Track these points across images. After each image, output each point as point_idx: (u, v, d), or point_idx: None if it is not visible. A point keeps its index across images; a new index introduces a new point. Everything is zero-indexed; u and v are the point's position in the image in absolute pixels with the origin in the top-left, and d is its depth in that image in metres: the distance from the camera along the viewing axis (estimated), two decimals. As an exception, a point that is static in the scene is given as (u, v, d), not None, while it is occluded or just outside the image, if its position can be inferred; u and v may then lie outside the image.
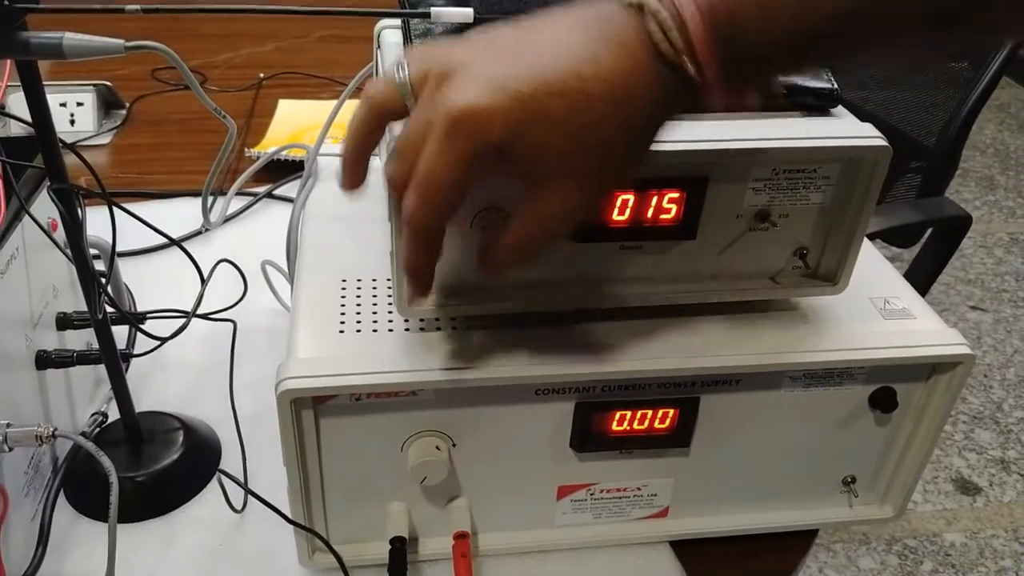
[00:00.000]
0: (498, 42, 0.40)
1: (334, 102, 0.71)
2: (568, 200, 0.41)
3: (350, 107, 1.02)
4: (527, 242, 0.43)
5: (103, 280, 0.56)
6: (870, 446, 0.61)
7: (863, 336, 0.56)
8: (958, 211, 1.19)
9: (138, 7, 0.49)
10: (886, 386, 0.57)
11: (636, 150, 0.41)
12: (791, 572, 0.63)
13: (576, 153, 0.39)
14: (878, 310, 0.59)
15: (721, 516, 0.63)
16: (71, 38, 0.47)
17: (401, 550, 0.55)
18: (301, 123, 1.19)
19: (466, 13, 0.48)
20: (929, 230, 1.26)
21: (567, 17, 0.40)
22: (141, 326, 0.60)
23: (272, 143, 1.13)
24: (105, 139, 1.19)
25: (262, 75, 1.36)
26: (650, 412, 0.55)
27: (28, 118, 0.51)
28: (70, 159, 0.57)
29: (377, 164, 0.74)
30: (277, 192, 1.04)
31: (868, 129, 0.52)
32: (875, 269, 0.63)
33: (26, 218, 0.60)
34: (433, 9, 0.56)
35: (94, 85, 1.20)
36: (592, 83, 0.38)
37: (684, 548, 0.62)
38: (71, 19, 0.50)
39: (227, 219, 1.00)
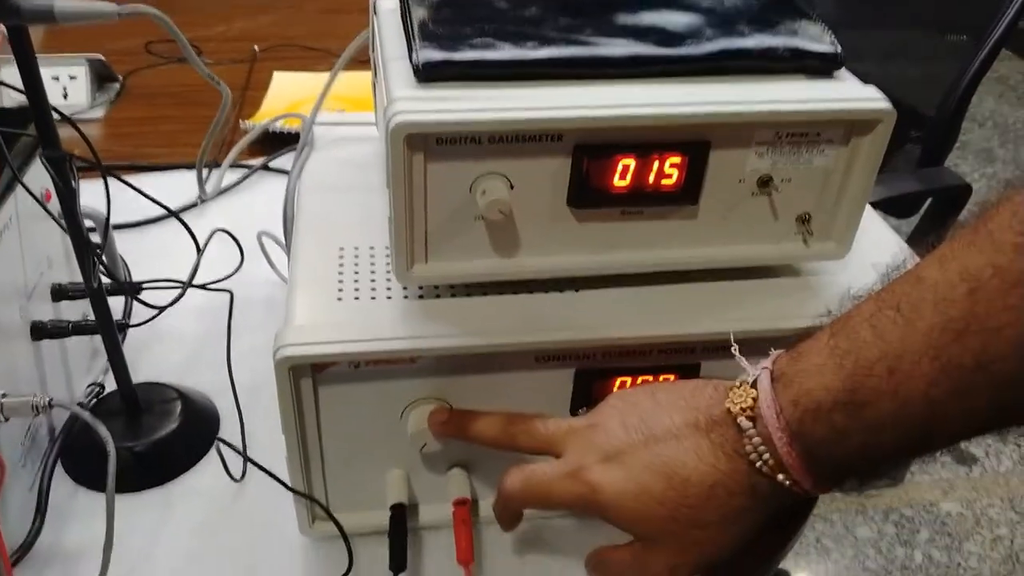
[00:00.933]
0: (621, 431, 0.46)
1: (330, 74, 0.70)
2: (671, 558, 0.45)
3: (345, 78, 1.02)
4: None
5: (98, 249, 0.56)
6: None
7: (865, 302, 0.56)
8: (958, 181, 1.18)
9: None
10: (887, 353, 0.57)
11: (737, 536, 0.45)
12: (788, 540, 0.63)
13: (676, 531, 0.44)
14: (880, 276, 0.59)
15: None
16: (63, 2, 0.46)
17: (401, 517, 0.55)
18: (297, 95, 1.18)
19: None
20: (928, 201, 1.26)
21: (685, 412, 0.45)
22: (137, 296, 0.59)
23: (267, 115, 1.11)
24: (99, 113, 1.18)
25: (257, 47, 1.34)
26: (651, 379, 0.55)
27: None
28: (64, 133, 0.56)
29: (371, 133, 0.73)
30: (273, 164, 1.03)
31: (872, 92, 0.51)
32: (877, 235, 0.62)
33: (19, 188, 0.60)
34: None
35: (87, 59, 1.18)
36: (693, 484, 0.43)
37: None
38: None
39: (222, 191, 0.99)
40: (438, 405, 0.53)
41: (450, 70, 0.48)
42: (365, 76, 0.69)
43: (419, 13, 0.52)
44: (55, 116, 0.53)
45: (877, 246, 0.61)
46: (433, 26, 0.51)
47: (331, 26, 1.43)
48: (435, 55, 0.48)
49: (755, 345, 0.55)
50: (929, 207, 1.24)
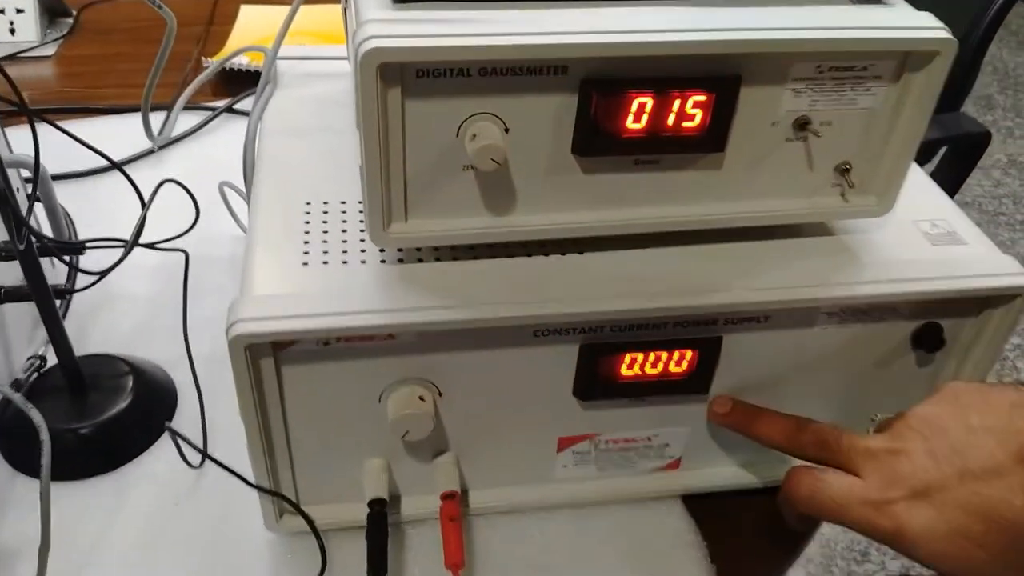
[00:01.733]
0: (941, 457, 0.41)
1: (302, 7, 0.62)
2: None
3: (317, 10, 0.91)
4: None
5: (27, 206, 0.48)
6: (906, 389, 0.54)
7: (910, 265, 0.49)
8: (977, 127, 1.10)
9: None
10: (932, 322, 0.50)
11: None
12: (813, 529, 0.57)
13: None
14: (924, 234, 0.52)
15: (738, 468, 0.56)
16: None
17: (381, 514, 0.48)
18: (265, 31, 1.08)
19: None
20: (943, 148, 1.18)
21: (1006, 440, 0.40)
22: (79, 257, 0.51)
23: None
24: (49, 50, 1.07)
25: (223, -21, 1.24)
26: (665, 355, 0.48)
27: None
28: (13, 72, 0.47)
29: (342, 68, 0.64)
30: (238, 107, 0.94)
31: (928, 19, 0.43)
32: (916, 186, 0.55)
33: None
34: None
35: (33, -14, 1.08)
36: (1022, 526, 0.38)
37: (697, 503, 0.56)
38: None
39: (181, 137, 0.90)
40: (722, 397, 0.51)
41: (431, -11, 0.40)
42: (338, 10, 0.60)
43: (395, -79, 0.44)
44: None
45: (917, 200, 0.54)
46: (412, -64, 0.42)
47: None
48: (415, -31, 0.40)
49: (785, 316, 0.48)
50: (946, 153, 1.16)
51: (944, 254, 0.50)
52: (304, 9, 0.90)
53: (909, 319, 0.50)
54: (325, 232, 0.48)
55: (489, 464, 0.52)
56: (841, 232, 0.51)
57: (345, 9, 0.57)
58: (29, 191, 0.64)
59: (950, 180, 1.15)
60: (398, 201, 0.43)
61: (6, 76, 0.49)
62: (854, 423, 0.56)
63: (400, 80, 0.39)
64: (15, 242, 0.48)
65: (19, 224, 0.48)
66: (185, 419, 0.60)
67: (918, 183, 0.55)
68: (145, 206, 0.53)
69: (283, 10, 1.13)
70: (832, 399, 0.53)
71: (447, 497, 0.49)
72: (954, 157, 1.14)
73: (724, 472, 0.56)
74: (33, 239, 0.51)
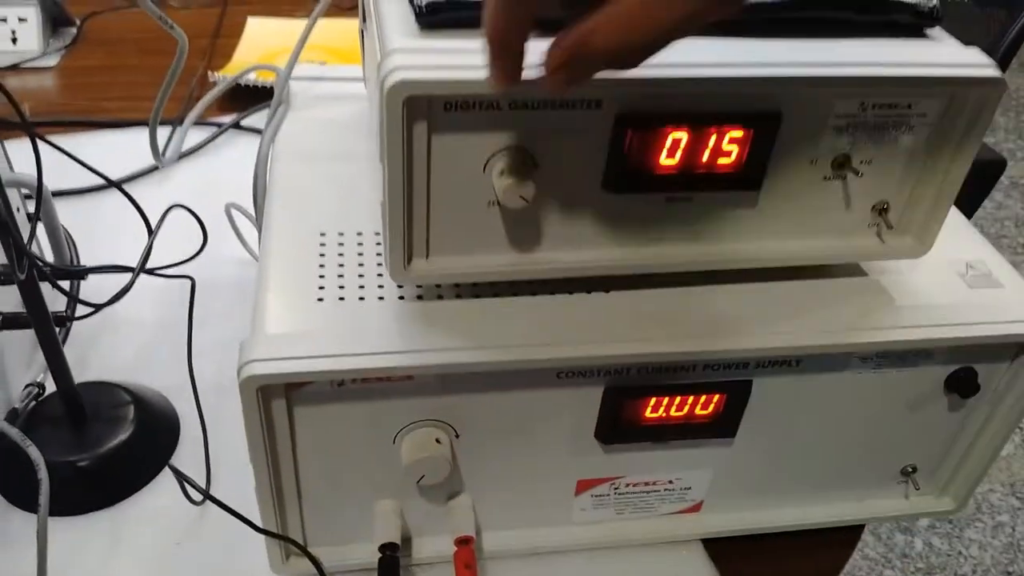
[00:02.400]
0: None
1: (309, 19, 0.60)
2: None
3: (328, 25, 0.89)
4: (635, 22, 0.30)
5: (30, 229, 0.46)
6: (938, 433, 0.52)
7: (947, 310, 0.47)
8: (992, 155, 1.09)
9: None
10: (967, 367, 0.49)
11: None
12: (838, 571, 0.55)
13: None
14: (960, 276, 0.50)
15: (761, 511, 0.54)
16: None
17: (393, 559, 0.46)
18: (272, 44, 1.06)
19: None
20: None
21: None
22: (80, 285, 0.49)
23: (240, 66, 1.00)
24: (52, 60, 1.06)
25: (229, -10, 1.22)
26: (691, 398, 0.46)
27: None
28: (15, 83, 0.45)
29: (357, 91, 0.63)
30: (245, 123, 0.92)
31: (976, 55, 0.42)
32: (952, 225, 0.53)
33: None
34: None
35: (35, -3, 1.06)
36: None
37: (718, 547, 0.54)
38: None
39: (186, 153, 0.88)
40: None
41: (461, 12, 0.38)
42: (350, 24, 0.59)
43: (421, -58, 0.42)
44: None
45: (952, 240, 0.52)
46: (441, -40, 0.41)
47: (312, -31, 1.31)
48: (443, -6, 0.38)
49: (818, 360, 0.46)
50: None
51: (981, 297, 0.49)
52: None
53: (944, 364, 0.48)
54: (341, 265, 0.46)
55: (505, 506, 0.50)
56: (875, 273, 0.49)
57: (363, 31, 0.55)
58: (30, 209, 0.62)
59: (963, 206, 1.13)
60: (420, 238, 0.41)
61: (6, 93, 0.47)
62: (883, 468, 0.54)
63: (427, 113, 0.37)
64: (15, 270, 0.46)
65: (20, 252, 0.46)
66: (187, 451, 0.58)
67: (953, 222, 0.53)
68: (152, 234, 0.51)
69: (290, 23, 1.12)
70: (859, 444, 0.52)
71: (462, 542, 0.47)
72: (967, 182, 1.13)
73: (746, 516, 0.54)
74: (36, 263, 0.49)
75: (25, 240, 0.47)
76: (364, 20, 0.54)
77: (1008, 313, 0.47)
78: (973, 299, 0.48)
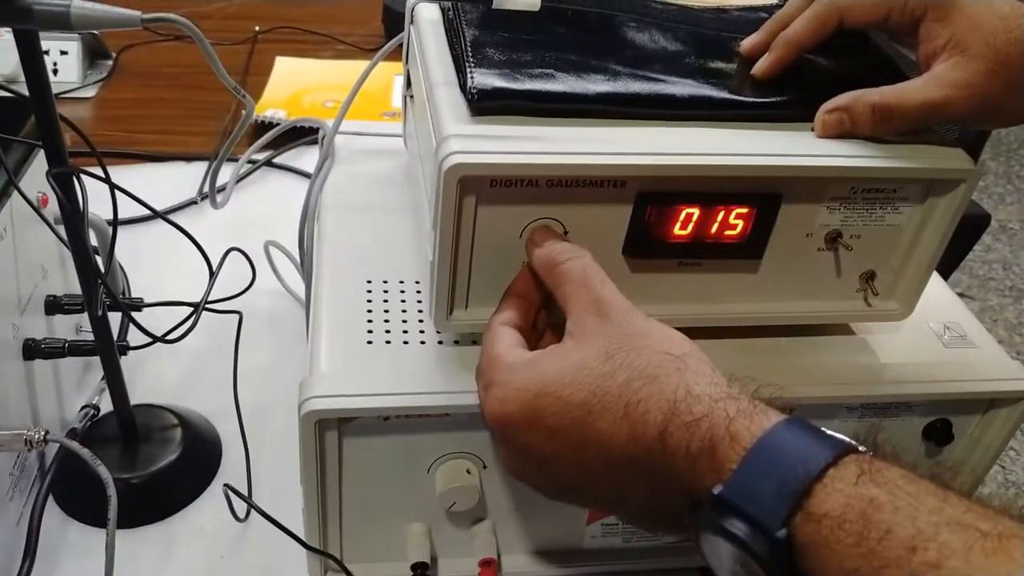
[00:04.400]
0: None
1: (335, 62, 0.65)
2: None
3: (336, 66, 0.93)
4: None
5: (101, 271, 0.51)
6: (916, 476, 0.58)
7: (925, 367, 0.53)
8: (977, 209, 1.15)
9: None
10: (943, 418, 0.54)
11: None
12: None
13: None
14: (938, 336, 0.56)
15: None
16: (80, 6, 0.41)
17: (424, 578, 0.51)
18: (300, 83, 1.12)
19: (532, 2, 0.43)
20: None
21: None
22: (140, 323, 0.54)
23: (270, 104, 1.06)
24: (90, 92, 1.11)
25: (257, 28, 1.28)
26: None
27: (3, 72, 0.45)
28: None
29: (391, 145, 0.69)
30: (275, 160, 0.98)
31: (955, 150, 0.48)
32: (933, 290, 0.59)
33: (14, 193, 0.54)
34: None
35: (79, 32, 1.11)
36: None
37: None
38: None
39: (221, 188, 0.93)
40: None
41: (508, 101, 0.44)
42: (359, 65, 0.63)
43: (473, 33, 0.48)
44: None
45: (931, 303, 0.58)
46: (491, 49, 0.46)
47: (337, 8, 1.37)
48: (492, 82, 0.44)
49: (809, 410, 0.52)
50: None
51: (956, 357, 0.54)
52: (338, 64, 0.93)
53: (922, 415, 0.54)
54: (386, 312, 0.52)
55: (523, 532, 0.55)
56: (862, 332, 0.55)
57: (406, 96, 0.61)
58: (93, 243, 0.67)
59: (949, 259, 1.19)
60: (461, 292, 0.47)
61: (76, 129, 0.53)
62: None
63: (476, 190, 0.43)
64: (93, 310, 0.51)
65: (99, 289, 0.51)
66: (229, 471, 0.63)
67: (932, 287, 0.59)
68: (213, 275, 0.57)
69: (318, 63, 1.18)
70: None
71: (485, 564, 0.53)
72: (953, 237, 1.19)
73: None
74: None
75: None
76: (408, 87, 0.60)
77: (980, 371, 0.53)
78: (949, 358, 0.54)
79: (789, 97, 0.48)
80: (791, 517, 0.32)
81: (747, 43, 0.51)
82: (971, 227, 1.16)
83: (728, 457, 0.34)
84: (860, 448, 0.34)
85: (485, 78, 0.44)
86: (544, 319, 0.46)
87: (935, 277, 0.61)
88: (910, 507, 0.31)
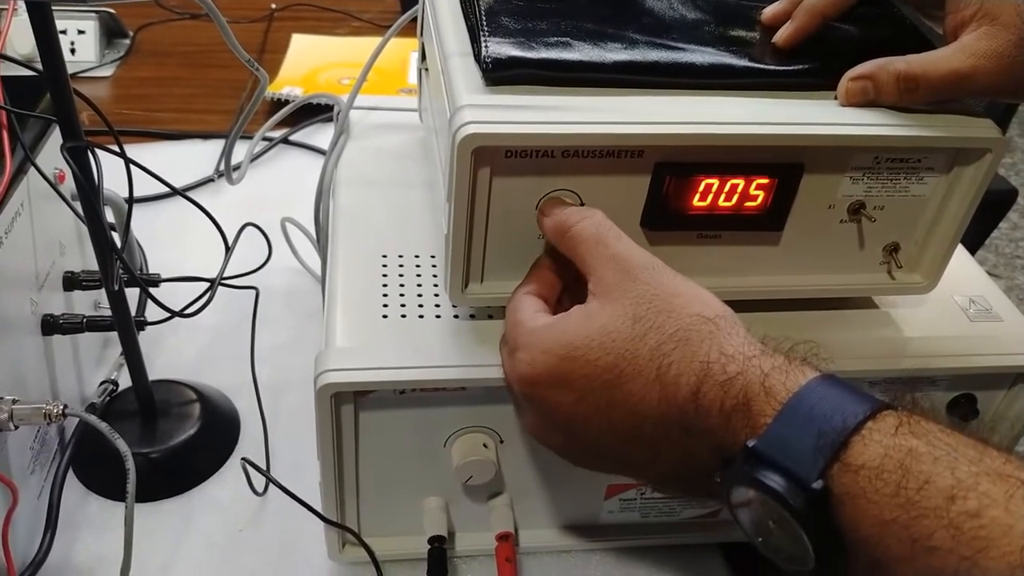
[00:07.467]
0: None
1: (351, 39, 0.65)
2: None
3: (348, 42, 0.92)
4: None
5: (118, 246, 0.51)
6: (939, 453, 0.57)
7: (950, 341, 0.52)
8: (1004, 185, 1.13)
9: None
10: (968, 393, 0.53)
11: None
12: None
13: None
14: (963, 310, 0.55)
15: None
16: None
17: (441, 551, 0.51)
18: (316, 61, 1.11)
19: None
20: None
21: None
22: (157, 296, 0.54)
23: (286, 82, 1.06)
24: (108, 71, 1.11)
25: (274, 6, 1.28)
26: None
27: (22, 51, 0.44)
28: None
29: (406, 120, 0.68)
30: (292, 138, 0.98)
31: (980, 119, 0.46)
32: (956, 262, 0.58)
33: (31, 169, 0.54)
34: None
35: (96, 12, 1.11)
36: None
37: (736, 552, 0.58)
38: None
39: (237, 166, 0.93)
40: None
41: (522, 70, 0.43)
42: (374, 42, 0.63)
43: (487, 1, 0.47)
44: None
45: (956, 276, 0.57)
46: (505, 18, 0.46)
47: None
48: (507, 51, 0.43)
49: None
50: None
51: (981, 331, 0.53)
52: (354, 41, 0.92)
53: (946, 390, 0.53)
54: (402, 286, 0.51)
55: (541, 507, 0.55)
56: (886, 306, 0.54)
57: (421, 70, 0.60)
58: (109, 219, 0.67)
59: (974, 235, 1.17)
60: (476, 265, 0.46)
61: (107, 124, 0.53)
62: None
63: (491, 161, 0.42)
64: (110, 284, 0.52)
65: (115, 264, 0.51)
66: (247, 446, 0.63)
67: (958, 259, 0.58)
68: (229, 249, 0.57)
69: (333, 40, 1.17)
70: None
71: (503, 538, 0.52)
72: (979, 212, 1.17)
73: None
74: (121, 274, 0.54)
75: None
76: (424, 60, 0.60)
77: (1006, 345, 0.52)
78: (974, 332, 0.53)
79: (811, 65, 0.47)
80: (827, 469, 0.32)
81: (768, 11, 0.50)
82: (997, 202, 1.14)
83: (763, 412, 0.34)
84: (896, 407, 0.34)
85: (500, 47, 0.44)
86: (570, 299, 0.46)
87: (960, 249, 0.60)
88: (949, 457, 0.31)
